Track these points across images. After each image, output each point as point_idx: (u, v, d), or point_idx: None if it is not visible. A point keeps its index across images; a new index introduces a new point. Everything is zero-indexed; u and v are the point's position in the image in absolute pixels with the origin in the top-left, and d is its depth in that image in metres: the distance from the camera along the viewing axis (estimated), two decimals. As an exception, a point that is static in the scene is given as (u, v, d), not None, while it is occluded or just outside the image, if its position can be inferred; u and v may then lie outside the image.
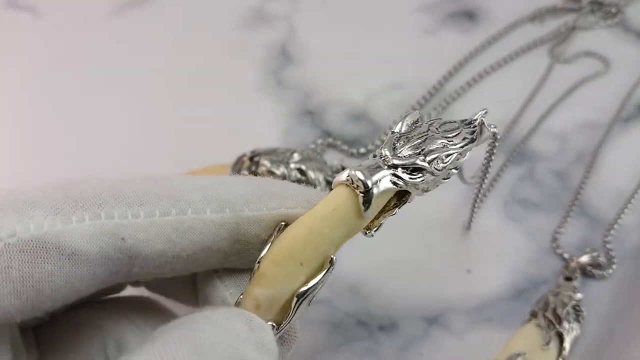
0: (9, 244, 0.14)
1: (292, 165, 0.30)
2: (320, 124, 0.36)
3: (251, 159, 0.30)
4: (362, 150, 0.35)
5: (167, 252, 0.16)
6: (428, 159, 0.18)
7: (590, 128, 0.36)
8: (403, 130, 0.19)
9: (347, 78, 0.39)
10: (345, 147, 0.35)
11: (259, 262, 0.17)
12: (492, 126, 0.20)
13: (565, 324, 0.26)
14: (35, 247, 0.14)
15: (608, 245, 0.30)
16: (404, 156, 0.18)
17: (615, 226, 0.31)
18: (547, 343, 0.25)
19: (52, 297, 0.15)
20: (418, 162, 0.18)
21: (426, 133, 0.19)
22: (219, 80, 0.39)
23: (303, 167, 0.30)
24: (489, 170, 0.24)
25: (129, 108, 0.37)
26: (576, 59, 0.40)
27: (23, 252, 0.14)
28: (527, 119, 0.37)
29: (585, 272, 0.29)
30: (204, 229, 0.17)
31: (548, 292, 0.28)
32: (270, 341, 0.16)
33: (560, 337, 0.26)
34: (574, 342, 0.26)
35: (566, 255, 0.30)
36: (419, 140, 0.19)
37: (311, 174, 0.30)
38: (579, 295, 0.27)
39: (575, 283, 0.28)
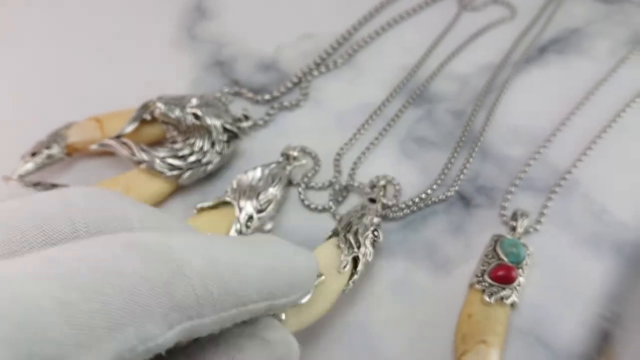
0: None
1: (188, 110, 0.31)
2: (230, 74, 0.37)
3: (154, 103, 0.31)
4: (267, 97, 0.35)
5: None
6: None
7: (492, 70, 0.37)
8: None
9: (259, 31, 0.39)
10: (250, 95, 0.35)
11: None
12: None
13: (363, 249, 0.26)
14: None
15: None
16: None
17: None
18: (344, 267, 0.25)
19: None
20: None
21: None
22: (132, 36, 0.39)
23: (199, 113, 0.31)
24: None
25: (42, 60, 0.38)
26: (484, 7, 0.41)
27: None
28: (431, 64, 0.38)
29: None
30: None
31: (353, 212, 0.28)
32: None
33: (355, 261, 0.26)
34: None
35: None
36: None
37: (207, 120, 0.31)
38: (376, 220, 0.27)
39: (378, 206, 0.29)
